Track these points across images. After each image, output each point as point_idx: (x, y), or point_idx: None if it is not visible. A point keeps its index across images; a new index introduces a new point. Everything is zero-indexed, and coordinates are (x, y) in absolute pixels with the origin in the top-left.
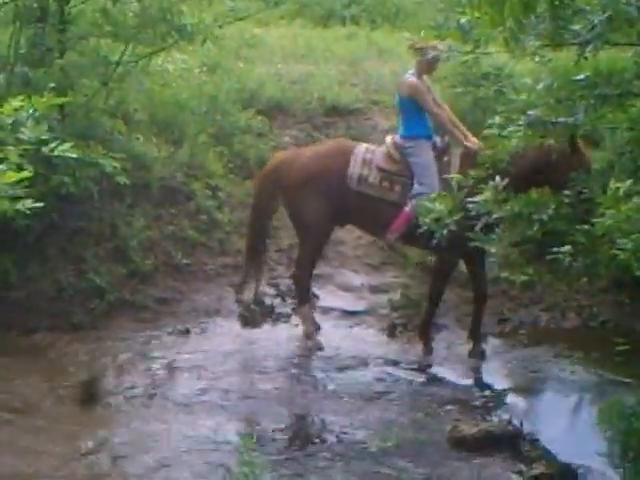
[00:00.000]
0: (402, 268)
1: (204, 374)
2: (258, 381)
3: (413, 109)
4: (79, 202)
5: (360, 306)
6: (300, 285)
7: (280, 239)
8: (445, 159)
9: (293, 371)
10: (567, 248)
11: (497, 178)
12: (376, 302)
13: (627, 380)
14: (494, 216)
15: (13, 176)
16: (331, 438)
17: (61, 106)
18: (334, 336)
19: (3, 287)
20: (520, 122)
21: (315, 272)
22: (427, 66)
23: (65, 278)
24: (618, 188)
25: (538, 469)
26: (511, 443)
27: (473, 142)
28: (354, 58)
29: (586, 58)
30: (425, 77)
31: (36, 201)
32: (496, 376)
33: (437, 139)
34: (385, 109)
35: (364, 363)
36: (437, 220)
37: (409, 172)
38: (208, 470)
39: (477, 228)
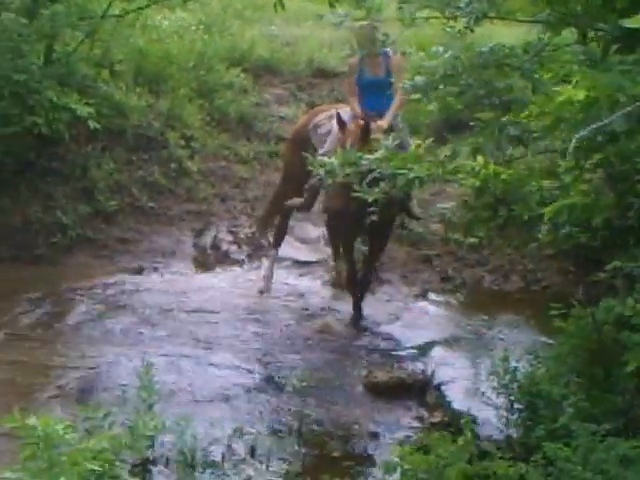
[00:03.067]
0: None
1: (139, 310)
2: (188, 320)
3: None
4: (54, 143)
5: (312, 257)
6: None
7: (248, 190)
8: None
9: (229, 314)
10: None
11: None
12: (329, 254)
13: (550, 341)
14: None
15: None
16: (253, 376)
17: (46, 53)
18: (283, 284)
19: None
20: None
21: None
22: (359, 43)
23: (33, 213)
24: None
25: (437, 417)
26: (420, 392)
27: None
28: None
29: (472, 30)
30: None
31: (10, 139)
32: (425, 331)
33: (342, 112)
34: None
35: (304, 310)
36: (329, 172)
37: None
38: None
39: (365, 182)
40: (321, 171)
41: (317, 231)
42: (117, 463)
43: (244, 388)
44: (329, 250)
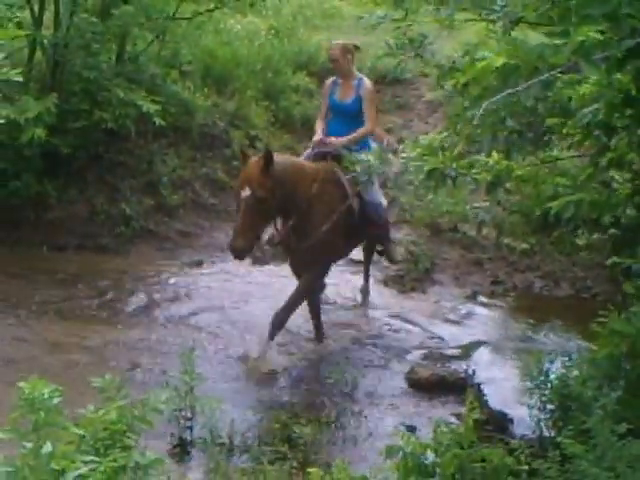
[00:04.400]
0: (415, 227)
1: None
2: (239, 312)
3: None
4: (121, 138)
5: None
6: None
7: None
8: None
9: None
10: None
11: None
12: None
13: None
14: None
15: None
16: (298, 366)
17: (118, 52)
18: (335, 282)
19: (42, 208)
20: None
21: None
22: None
23: (99, 204)
24: None
25: (475, 414)
26: (460, 390)
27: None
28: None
29: (510, 34)
30: (334, 79)
31: (80, 133)
32: (472, 331)
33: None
34: (432, 83)
35: (354, 307)
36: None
37: None
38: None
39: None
40: (357, 168)
41: None
42: (128, 434)
43: (288, 378)
44: None
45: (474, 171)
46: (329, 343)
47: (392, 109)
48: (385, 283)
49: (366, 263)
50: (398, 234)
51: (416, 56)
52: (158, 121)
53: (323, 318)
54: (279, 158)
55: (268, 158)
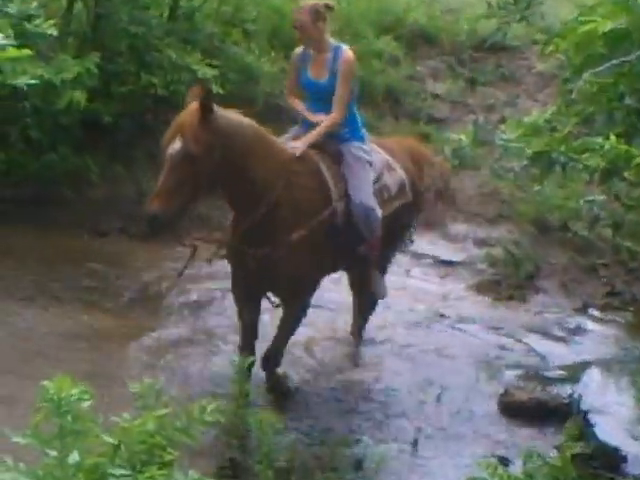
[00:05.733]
0: (516, 223)
1: None
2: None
3: None
4: (173, 107)
5: (457, 257)
6: None
7: None
8: None
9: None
10: None
11: None
12: (477, 255)
13: None
14: None
15: (14, 53)
16: (377, 388)
17: (171, 7)
18: (420, 285)
19: (81, 185)
20: None
21: None
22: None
23: (147, 182)
24: None
25: (578, 447)
26: (562, 418)
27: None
28: None
29: None
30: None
31: (125, 99)
32: (579, 350)
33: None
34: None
35: (442, 317)
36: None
37: None
38: None
39: None
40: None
41: (466, 228)
42: (169, 449)
43: (361, 394)
44: (477, 251)
45: (585, 156)
46: (409, 355)
47: (494, 81)
48: (478, 289)
49: (358, 304)
50: (495, 232)
51: (521, 19)
52: (216, 89)
53: (400, 328)
54: (229, 112)
55: (205, 103)
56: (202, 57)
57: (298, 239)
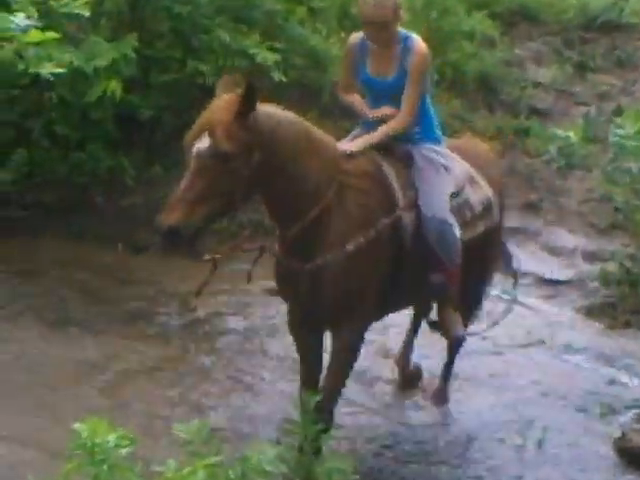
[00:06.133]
0: (634, 235)
1: None
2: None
3: None
4: None
5: (564, 275)
6: None
7: None
8: None
9: None
10: None
11: None
12: (588, 272)
13: None
14: None
15: (37, 36)
16: (462, 430)
17: None
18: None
19: (116, 190)
20: None
21: (514, 225)
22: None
23: None
24: None
25: None
26: None
27: None
28: None
29: None
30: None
31: (168, 90)
32: None
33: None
34: None
35: (544, 345)
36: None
37: None
38: None
39: None
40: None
41: (573, 240)
42: None
43: (443, 437)
44: (588, 267)
45: None
46: (503, 389)
47: (607, 66)
48: (588, 313)
49: (411, 335)
50: (608, 244)
51: None
52: (277, 76)
53: (493, 358)
54: (273, 108)
55: (249, 95)
56: (261, 39)
57: (355, 249)
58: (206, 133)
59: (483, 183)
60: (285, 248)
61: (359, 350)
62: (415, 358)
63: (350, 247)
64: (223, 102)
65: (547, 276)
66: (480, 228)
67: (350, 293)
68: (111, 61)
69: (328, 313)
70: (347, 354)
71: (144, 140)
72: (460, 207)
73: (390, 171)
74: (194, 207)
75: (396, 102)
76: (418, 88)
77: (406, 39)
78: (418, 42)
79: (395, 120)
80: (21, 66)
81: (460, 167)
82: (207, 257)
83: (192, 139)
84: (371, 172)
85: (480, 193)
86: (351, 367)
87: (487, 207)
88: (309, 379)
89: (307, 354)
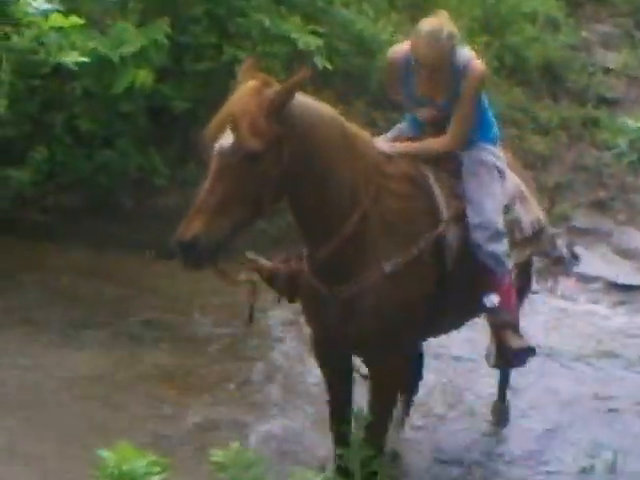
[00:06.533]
0: None
1: None
2: None
3: None
4: None
5: (636, 280)
6: None
7: (548, 173)
8: None
9: None
10: None
11: None
12: None
13: None
14: None
15: (59, 20)
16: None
17: None
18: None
19: (146, 190)
20: None
21: (583, 226)
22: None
23: None
24: None
25: None
26: None
27: None
28: None
29: None
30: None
31: (203, 80)
32: None
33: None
34: None
35: (615, 358)
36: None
37: None
38: None
39: None
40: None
41: None
42: None
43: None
44: None
45: None
46: (566, 406)
47: None
48: None
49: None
50: None
51: None
52: (321, 63)
53: (556, 371)
54: (304, 98)
55: (296, 84)
56: (302, 23)
57: (392, 270)
58: (229, 128)
59: (533, 201)
60: (315, 267)
61: (399, 386)
62: None
63: (388, 268)
64: (248, 90)
65: (618, 281)
66: (526, 253)
67: (392, 322)
68: (140, 48)
69: (362, 347)
70: (386, 395)
71: (178, 135)
72: (510, 226)
73: (433, 177)
74: (216, 216)
75: (445, 124)
76: (472, 109)
77: (466, 63)
78: (476, 66)
79: (439, 142)
80: (41, 54)
81: (511, 180)
82: (243, 277)
83: (213, 136)
84: (416, 179)
85: (531, 214)
86: (391, 407)
87: (537, 232)
88: (338, 407)
89: (335, 392)
